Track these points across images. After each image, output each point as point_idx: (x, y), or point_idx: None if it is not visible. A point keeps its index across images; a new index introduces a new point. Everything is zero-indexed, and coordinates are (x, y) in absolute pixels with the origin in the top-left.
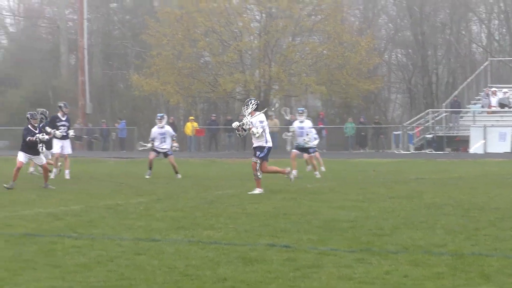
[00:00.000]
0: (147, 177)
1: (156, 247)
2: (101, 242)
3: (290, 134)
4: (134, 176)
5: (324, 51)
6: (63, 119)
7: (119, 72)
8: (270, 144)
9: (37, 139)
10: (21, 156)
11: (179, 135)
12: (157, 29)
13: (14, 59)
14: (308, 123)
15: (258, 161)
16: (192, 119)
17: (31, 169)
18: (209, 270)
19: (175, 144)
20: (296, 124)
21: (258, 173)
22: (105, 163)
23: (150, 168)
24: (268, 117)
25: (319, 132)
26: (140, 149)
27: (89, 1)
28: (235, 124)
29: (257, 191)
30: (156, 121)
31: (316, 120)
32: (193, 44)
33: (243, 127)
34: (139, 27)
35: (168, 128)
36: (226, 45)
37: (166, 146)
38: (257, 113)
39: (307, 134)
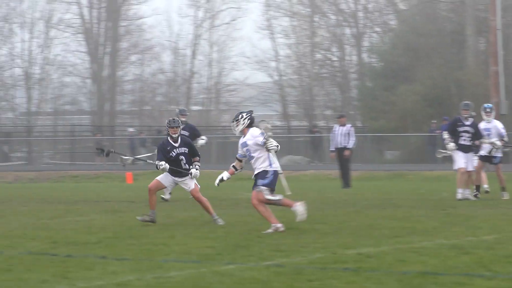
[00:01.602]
0: (505, 197)
1: None
2: None
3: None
4: None
5: None
6: (467, 123)
7: None
8: (276, 166)
9: (158, 168)
10: (162, 178)
11: None
12: None
13: (406, 45)
14: None
15: (264, 190)
16: None
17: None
18: None
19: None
20: None
21: (271, 197)
22: None
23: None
24: None
25: None
26: (440, 156)
27: None
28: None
29: (277, 224)
30: (483, 114)
31: None
32: None
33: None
34: None
35: (496, 124)
36: None
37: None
38: (250, 129)
39: None
